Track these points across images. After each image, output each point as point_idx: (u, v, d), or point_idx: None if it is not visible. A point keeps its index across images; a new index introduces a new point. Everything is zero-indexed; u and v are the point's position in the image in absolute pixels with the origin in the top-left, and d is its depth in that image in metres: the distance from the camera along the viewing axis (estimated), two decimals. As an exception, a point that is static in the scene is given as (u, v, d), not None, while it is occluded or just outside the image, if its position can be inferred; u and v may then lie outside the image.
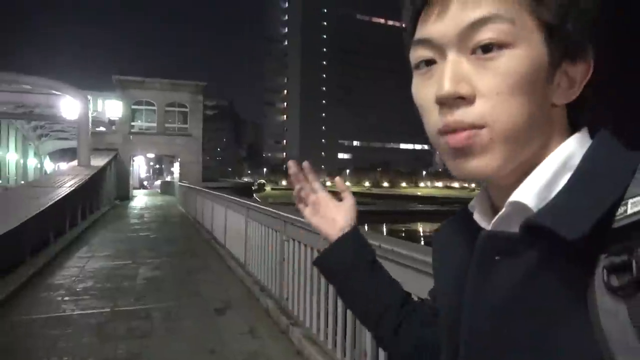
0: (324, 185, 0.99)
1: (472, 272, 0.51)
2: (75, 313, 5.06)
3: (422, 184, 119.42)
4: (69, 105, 21.49)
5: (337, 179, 0.98)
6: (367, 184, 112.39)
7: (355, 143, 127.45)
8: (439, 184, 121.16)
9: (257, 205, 6.29)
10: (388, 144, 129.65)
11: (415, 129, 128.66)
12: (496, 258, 0.48)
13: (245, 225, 6.76)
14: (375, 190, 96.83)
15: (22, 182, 44.11)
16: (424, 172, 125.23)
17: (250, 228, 6.49)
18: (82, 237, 10.37)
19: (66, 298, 5.64)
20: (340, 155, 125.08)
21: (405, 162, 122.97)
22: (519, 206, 0.48)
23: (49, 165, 61.57)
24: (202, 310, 5.21)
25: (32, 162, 55.46)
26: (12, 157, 48.99)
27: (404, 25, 0.60)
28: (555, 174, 0.48)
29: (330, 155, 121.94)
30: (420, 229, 40.57)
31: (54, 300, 5.57)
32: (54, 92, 21.11)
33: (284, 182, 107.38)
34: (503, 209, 0.50)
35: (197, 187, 15.23)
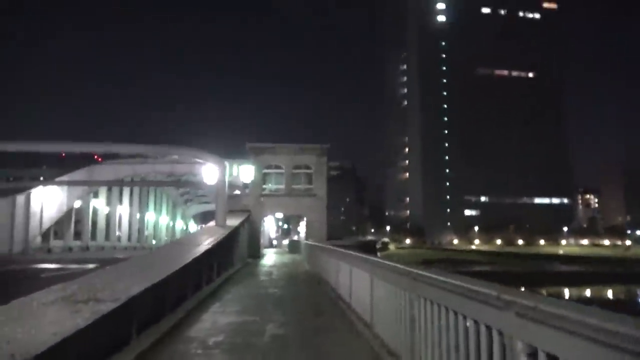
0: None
1: None
2: (206, 368, 5.13)
3: (563, 242, 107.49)
4: (209, 172, 23.75)
5: None
6: (498, 241, 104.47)
7: (482, 199, 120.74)
8: (585, 241, 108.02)
9: (383, 261, 5.99)
10: (520, 198, 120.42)
11: (550, 181, 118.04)
12: None
13: (371, 283, 6.46)
14: (509, 249, 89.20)
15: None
16: (565, 229, 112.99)
17: (376, 286, 6.17)
18: (216, 293, 10.89)
19: (199, 351, 5.80)
20: (467, 212, 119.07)
21: (541, 218, 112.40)
22: None
23: (192, 227, 68.15)
24: (327, 373, 4.92)
25: (179, 224, 62.10)
26: (164, 220, 55.45)
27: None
28: None
29: (456, 212, 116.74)
30: (566, 294, 35.89)
31: (189, 352, 5.75)
32: (197, 160, 23.60)
33: (407, 241, 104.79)
34: None
35: (322, 245, 15.36)
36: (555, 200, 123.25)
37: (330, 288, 11.43)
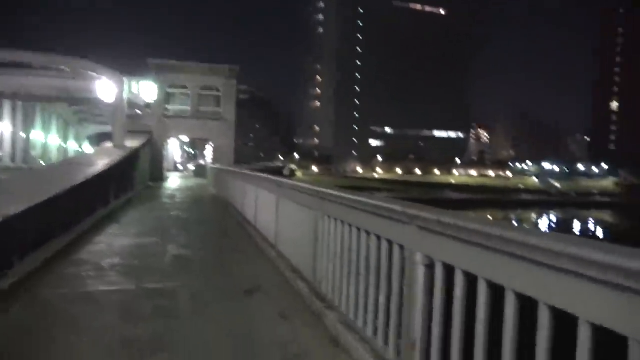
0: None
1: None
2: (99, 290, 4.85)
3: (455, 172, 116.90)
4: (105, 88, 21.70)
5: None
6: (398, 171, 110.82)
7: (388, 130, 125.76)
8: (474, 172, 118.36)
9: (292, 182, 5.93)
10: (422, 131, 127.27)
11: (450, 116, 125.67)
12: None
13: (277, 205, 6.43)
14: (407, 178, 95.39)
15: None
16: (458, 161, 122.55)
17: (282, 207, 6.15)
18: (113, 216, 10.30)
19: (91, 274, 5.45)
20: (373, 142, 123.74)
21: (439, 150, 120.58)
22: None
23: (88, 149, 63.29)
24: (231, 292, 4.90)
25: (72, 145, 57.20)
26: (54, 140, 50.62)
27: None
28: None
29: (363, 142, 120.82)
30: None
31: (79, 276, 5.38)
32: (90, 73, 21.32)
33: (314, 169, 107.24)
34: None
35: (228, 169, 15.04)
36: (452, 134, 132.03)
37: (237, 211, 11.33)
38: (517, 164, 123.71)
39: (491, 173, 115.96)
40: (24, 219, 5.71)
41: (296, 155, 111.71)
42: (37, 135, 46.20)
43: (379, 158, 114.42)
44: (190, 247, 7.40)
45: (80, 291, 4.79)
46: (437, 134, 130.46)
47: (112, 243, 7.31)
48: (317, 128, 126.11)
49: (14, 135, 40.89)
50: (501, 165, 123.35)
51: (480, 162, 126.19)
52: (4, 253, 5.14)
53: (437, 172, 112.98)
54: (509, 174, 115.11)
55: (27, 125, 43.37)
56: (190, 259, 6.57)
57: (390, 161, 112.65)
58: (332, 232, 4.00)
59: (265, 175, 8.08)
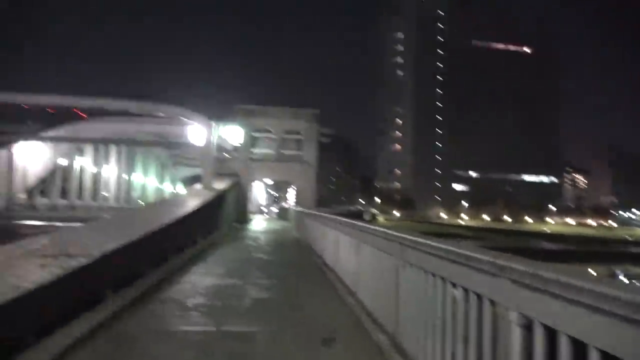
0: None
1: None
2: (181, 329, 4.95)
3: (549, 220, 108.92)
4: (196, 133, 23.30)
5: None
6: (485, 217, 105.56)
7: (472, 174, 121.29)
8: (570, 220, 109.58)
9: (372, 227, 5.79)
10: (509, 175, 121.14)
11: (540, 159, 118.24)
12: None
13: (357, 249, 6.28)
14: (495, 225, 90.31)
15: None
16: (552, 207, 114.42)
17: (362, 252, 5.99)
18: (199, 256, 10.70)
19: (176, 313, 5.61)
20: (456, 187, 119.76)
21: (529, 195, 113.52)
22: None
23: (181, 190, 67.74)
24: (307, 339, 4.77)
25: (167, 186, 61.61)
26: (151, 182, 54.94)
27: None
28: None
29: (446, 186, 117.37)
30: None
31: (164, 314, 5.56)
32: (184, 120, 23.07)
33: (395, 213, 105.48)
34: None
35: (310, 212, 15.20)
36: (544, 178, 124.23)
37: (317, 255, 11.30)
38: (621, 212, 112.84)
39: (591, 222, 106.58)
40: (118, 256, 6.08)
41: (377, 199, 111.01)
42: (137, 177, 50.46)
43: (464, 203, 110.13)
44: (270, 289, 7.42)
45: (163, 329, 4.92)
46: (527, 178, 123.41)
47: (197, 283, 7.53)
48: (397, 171, 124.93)
49: (118, 177, 44.96)
50: (602, 212, 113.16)
51: (578, 209, 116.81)
52: (99, 287, 5.47)
53: (528, 219, 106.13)
54: (612, 223, 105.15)
55: (129, 168, 47.56)
56: (270, 302, 6.57)
57: (475, 206, 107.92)
58: (414, 282, 3.77)
59: (345, 219, 8.00)
